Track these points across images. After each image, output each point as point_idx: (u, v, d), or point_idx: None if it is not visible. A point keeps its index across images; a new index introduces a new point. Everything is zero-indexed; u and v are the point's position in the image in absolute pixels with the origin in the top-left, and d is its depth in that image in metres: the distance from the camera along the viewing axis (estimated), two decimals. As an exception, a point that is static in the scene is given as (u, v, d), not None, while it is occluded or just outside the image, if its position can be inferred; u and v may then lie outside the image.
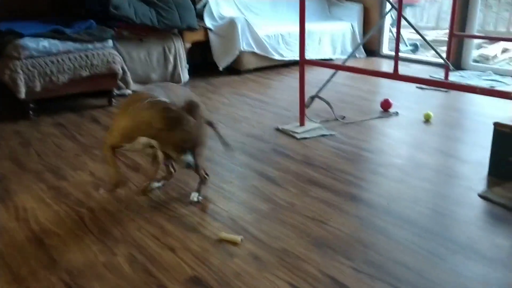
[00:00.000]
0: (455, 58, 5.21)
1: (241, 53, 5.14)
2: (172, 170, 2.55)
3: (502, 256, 1.85)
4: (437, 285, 1.68)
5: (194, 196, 2.35)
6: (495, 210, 2.21)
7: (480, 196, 2.33)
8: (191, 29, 4.79)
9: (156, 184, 2.49)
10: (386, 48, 6.25)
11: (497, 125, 2.48)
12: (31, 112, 3.73)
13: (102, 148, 2.27)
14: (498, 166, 2.51)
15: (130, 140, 2.14)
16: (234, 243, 1.97)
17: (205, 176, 2.40)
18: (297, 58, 3.74)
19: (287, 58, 5.47)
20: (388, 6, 4.11)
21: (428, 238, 1.98)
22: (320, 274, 1.76)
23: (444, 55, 4.54)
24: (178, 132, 2.07)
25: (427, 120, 3.54)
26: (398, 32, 3.00)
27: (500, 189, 2.36)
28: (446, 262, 1.82)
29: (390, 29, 6.32)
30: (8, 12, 4.31)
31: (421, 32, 4.25)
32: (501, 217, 2.15)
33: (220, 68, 5.20)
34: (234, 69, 5.28)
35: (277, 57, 5.40)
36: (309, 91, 3.65)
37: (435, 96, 4.24)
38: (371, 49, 6.21)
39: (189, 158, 2.11)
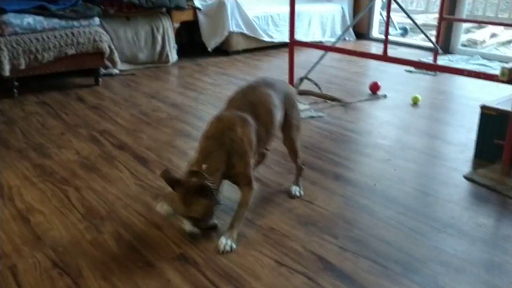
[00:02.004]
0: (444, 42, 5.22)
1: (230, 34, 5.10)
2: (264, 151, 2.33)
3: (484, 235, 1.88)
4: (420, 261, 1.71)
5: (296, 191, 2.19)
6: (480, 191, 2.24)
7: (465, 177, 2.35)
8: (179, 8, 4.73)
9: None
10: (376, 31, 6.24)
11: (483, 108, 2.50)
12: (15, 90, 3.67)
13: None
14: (483, 149, 2.53)
15: None
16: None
17: (302, 166, 2.26)
18: (286, 40, 3.72)
19: (276, 40, 5.43)
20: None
21: (412, 217, 2.01)
22: (305, 250, 1.77)
23: (433, 39, 4.54)
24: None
25: (415, 103, 3.56)
26: (388, 14, 3.00)
27: (485, 170, 2.39)
28: (429, 240, 1.84)
29: (380, 12, 6.30)
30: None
31: (411, 15, 4.24)
32: (485, 198, 2.18)
33: (209, 49, 5.16)
34: (223, 50, 5.24)
35: (266, 38, 5.37)
36: (298, 73, 3.64)
37: (423, 80, 4.26)
38: (361, 32, 6.19)
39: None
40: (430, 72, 4.40)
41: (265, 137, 2.02)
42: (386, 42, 2.82)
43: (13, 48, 3.51)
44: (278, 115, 2.06)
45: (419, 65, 2.72)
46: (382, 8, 6.32)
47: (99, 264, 1.72)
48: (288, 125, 2.14)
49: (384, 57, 2.74)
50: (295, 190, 2.20)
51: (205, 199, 1.75)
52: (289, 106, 2.14)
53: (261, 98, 2.02)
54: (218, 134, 1.86)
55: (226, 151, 1.83)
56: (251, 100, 2.00)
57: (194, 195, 1.74)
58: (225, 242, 1.78)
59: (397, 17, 6.65)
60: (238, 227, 1.86)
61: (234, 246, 1.79)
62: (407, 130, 3.04)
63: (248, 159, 1.89)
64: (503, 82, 2.14)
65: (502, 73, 2.09)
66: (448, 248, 1.80)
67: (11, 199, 2.17)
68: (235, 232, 1.83)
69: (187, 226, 1.83)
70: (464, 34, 5.63)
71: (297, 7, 3.33)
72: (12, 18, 3.49)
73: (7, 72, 3.51)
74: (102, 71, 4.23)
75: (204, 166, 1.79)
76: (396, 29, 6.41)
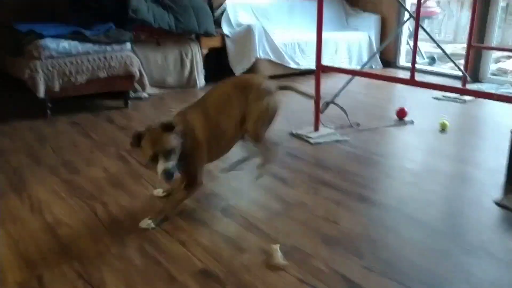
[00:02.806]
0: (473, 71, 5.18)
1: (257, 60, 5.18)
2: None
3: (516, 259, 1.82)
4: (447, 283, 1.66)
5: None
6: (510, 217, 2.17)
7: (496, 203, 2.29)
8: (208, 34, 4.85)
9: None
10: (403, 59, 6.25)
11: (513, 131, 2.45)
12: (48, 111, 3.80)
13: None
14: (514, 173, 2.47)
15: None
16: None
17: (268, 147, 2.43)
18: (313, 67, 3.76)
19: (303, 67, 5.49)
20: (406, 16, 4.11)
21: (440, 239, 1.96)
22: (329, 270, 1.74)
23: (461, 67, 4.51)
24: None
25: (443, 129, 3.52)
26: (416, 37, 3.00)
27: (515, 195, 2.32)
28: (457, 262, 1.79)
29: (407, 41, 6.32)
30: (27, 11, 4.42)
31: (438, 43, 4.24)
32: (516, 222, 2.12)
33: (236, 74, 5.24)
34: (250, 76, 5.31)
35: (293, 65, 5.43)
36: (324, 98, 3.66)
37: (451, 107, 4.21)
38: (388, 60, 6.20)
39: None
40: (458, 99, 4.35)
41: (226, 137, 2.26)
42: (413, 66, 2.82)
43: (49, 71, 3.65)
44: (237, 113, 2.26)
45: (447, 89, 2.70)
46: (409, 37, 6.34)
47: (123, 276, 1.73)
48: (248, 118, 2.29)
49: (412, 81, 2.72)
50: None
51: (167, 132, 1.94)
52: (250, 101, 2.29)
53: (217, 99, 2.26)
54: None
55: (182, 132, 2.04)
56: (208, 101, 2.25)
57: (161, 132, 1.93)
58: (146, 221, 2.06)
59: (425, 47, 6.66)
60: (167, 212, 2.12)
61: (152, 225, 2.05)
62: (434, 154, 3.00)
63: (196, 160, 2.14)
64: (533, 104, 2.10)
65: (532, 94, 2.06)
66: (477, 271, 1.74)
67: (41, 213, 2.22)
68: (161, 215, 2.10)
69: (160, 166, 1.93)
70: (493, 64, 5.58)
71: (324, 34, 3.36)
72: (49, 43, 3.65)
73: (42, 94, 3.65)
74: (132, 94, 4.34)
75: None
76: (423, 58, 6.40)
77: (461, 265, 1.77)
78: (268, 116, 2.36)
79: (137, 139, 1.97)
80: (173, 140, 1.95)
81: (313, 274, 1.72)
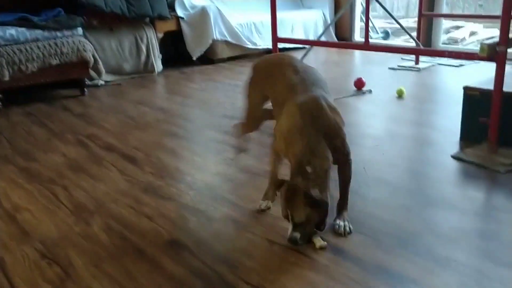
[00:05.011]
0: (425, 41, 5.30)
1: (214, 42, 5.13)
2: None
3: (475, 206, 1.88)
4: (413, 234, 1.70)
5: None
6: (468, 169, 2.25)
7: (453, 157, 2.37)
8: (162, 18, 4.76)
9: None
10: (358, 35, 6.33)
11: (467, 89, 2.53)
12: (0, 103, 3.64)
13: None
14: (469, 130, 2.56)
15: None
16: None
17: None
18: (270, 46, 3.75)
19: (260, 47, 5.47)
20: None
21: (404, 196, 2.01)
22: (298, 230, 1.76)
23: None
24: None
25: (400, 95, 3.59)
26: (368, 10, 3.04)
27: (472, 150, 2.41)
28: (421, 214, 1.84)
29: (361, 17, 6.40)
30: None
31: (392, 15, 4.31)
32: (474, 174, 2.19)
33: (194, 58, 5.18)
34: (208, 58, 5.26)
35: (250, 45, 5.41)
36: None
37: (407, 75, 4.31)
38: (343, 36, 6.27)
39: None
40: (413, 68, 4.46)
41: None
42: (367, 32, 2.85)
43: (-4, 60, 3.50)
44: None
45: (402, 51, 2.75)
46: (363, 13, 6.43)
47: (89, 253, 1.68)
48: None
49: (366, 46, 2.76)
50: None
51: (310, 208, 1.56)
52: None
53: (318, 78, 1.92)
54: (309, 122, 1.66)
55: (323, 137, 1.65)
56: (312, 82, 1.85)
57: (297, 199, 1.56)
58: (343, 224, 1.73)
59: (379, 23, 6.77)
60: (346, 208, 1.80)
61: (351, 226, 1.73)
62: (394, 120, 3.06)
63: (343, 136, 1.73)
64: (483, 59, 2.17)
65: (482, 49, 2.12)
66: (440, 220, 1.79)
67: (-2, 200, 2.13)
68: (346, 213, 1.79)
69: (289, 229, 1.60)
70: (444, 34, 5.73)
71: (279, 14, 3.36)
72: (-6, 30, 3.49)
73: (-10, 84, 3.49)
74: (88, 82, 4.22)
75: (308, 168, 1.59)
76: (377, 33, 6.51)
77: (425, 217, 1.82)
78: None
79: (278, 186, 1.65)
80: (306, 217, 1.56)
81: (283, 236, 1.72)
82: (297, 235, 1.57)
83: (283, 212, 1.62)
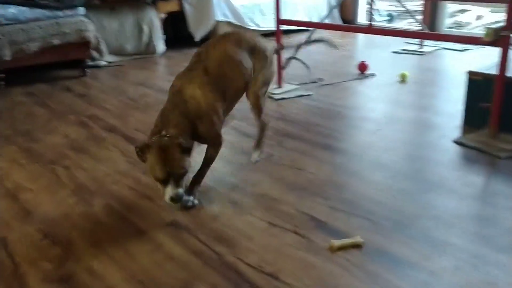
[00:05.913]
0: (430, 25, 5.24)
1: (217, 23, 5.09)
2: None
3: (473, 192, 1.89)
4: (410, 218, 1.71)
5: (256, 156, 2.22)
6: (469, 154, 2.25)
7: (455, 142, 2.36)
8: (164, -2, 4.71)
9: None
10: (362, 18, 6.26)
11: (470, 74, 2.51)
12: (1, 82, 3.64)
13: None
14: (471, 115, 2.54)
15: None
16: (356, 246, 1.57)
17: (265, 123, 2.25)
18: (273, 28, 3.71)
19: (263, 28, 5.42)
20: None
21: (401, 180, 2.01)
22: (297, 212, 1.77)
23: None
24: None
25: (403, 80, 3.57)
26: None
27: (473, 135, 2.40)
28: (418, 198, 1.85)
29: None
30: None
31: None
32: (474, 159, 2.19)
33: (196, 39, 5.14)
34: (210, 39, 5.22)
35: (253, 27, 5.36)
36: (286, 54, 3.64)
37: (410, 59, 4.28)
38: (347, 19, 6.21)
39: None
40: (417, 52, 4.42)
41: (234, 94, 2.03)
42: (370, 16, 2.82)
43: (-2, 39, 3.49)
44: (247, 71, 2.06)
45: (406, 34, 2.73)
46: (368, -5, 6.35)
47: (90, 233, 1.70)
48: (253, 78, 2.12)
49: (369, 29, 2.73)
50: (255, 156, 2.22)
51: (183, 154, 1.67)
52: (256, 60, 2.12)
53: (226, 54, 1.99)
54: (173, 99, 1.86)
55: (184, 114, 1.78)
56: (215, 57, 1.96)
57: (177, 151, 1.66)
58: (187, 198, 1.82)
59: (383, 6, 6.68)
60: (200, 183, 1.92)
61: (196, 201, 1.85)
62: (395, 104, 3.05)
63: (210, 118, 1.85)
64: (488, 44, 2.15)
65: (487, 33, 2.10)
66: (438, 205, 1.80)
67: (-1, 180, 2.15)
68: (196, 188, 1.89)
69: (168, 188, 1.66)
70: (449, 18, 5.67)
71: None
72: (-4, 9, 3.47)
73: (-8, 64, 3.49)
74: (89, 62, 4.21)
75: (171, 131, 1.71)
76: (381, 16, 6.44)
77: (424, 201, 1.83)
78: (270, 84, 2.26)
79: (143, 151, 1.69)
80: (188, 163, 1.69)
81: (281, 217, 1.74)
82: (181, 190, 1.67)
83: (157, 174, 1.65)
